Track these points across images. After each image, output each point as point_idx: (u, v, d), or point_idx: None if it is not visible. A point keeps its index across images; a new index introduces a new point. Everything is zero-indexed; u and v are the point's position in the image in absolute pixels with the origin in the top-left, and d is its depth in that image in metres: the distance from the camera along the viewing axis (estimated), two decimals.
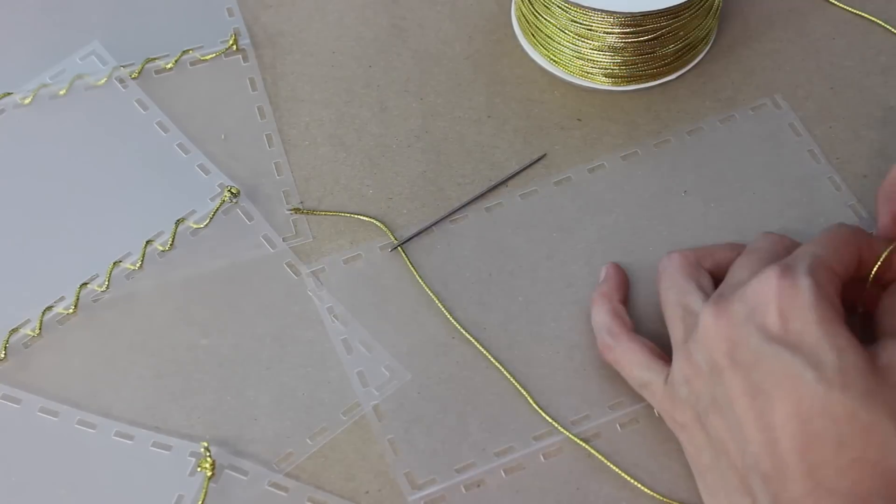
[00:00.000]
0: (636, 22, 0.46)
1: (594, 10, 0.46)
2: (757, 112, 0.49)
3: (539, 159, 0.47)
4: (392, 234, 0.45)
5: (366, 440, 0.41)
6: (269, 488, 0.40)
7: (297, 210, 0.45)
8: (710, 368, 0.36)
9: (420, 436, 0.41)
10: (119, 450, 0.41)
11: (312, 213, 0.45)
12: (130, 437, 0.41)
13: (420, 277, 0.44)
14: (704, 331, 0.36)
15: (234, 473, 0.40)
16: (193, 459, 0.40)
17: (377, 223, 0.45)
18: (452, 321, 0.43)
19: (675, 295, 0.39)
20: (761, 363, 0.34)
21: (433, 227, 0.46)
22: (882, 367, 0.34)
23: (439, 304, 0.43)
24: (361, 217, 0.46)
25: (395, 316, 0.44)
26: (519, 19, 0.51)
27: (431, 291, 0.44)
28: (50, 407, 0.41)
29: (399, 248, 0.45)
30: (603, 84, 0.49)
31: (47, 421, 0.41)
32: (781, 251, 0.38)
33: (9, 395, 0.42)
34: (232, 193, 0.46)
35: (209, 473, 0.39)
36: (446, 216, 0.44)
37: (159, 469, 0.40)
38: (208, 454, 0.39)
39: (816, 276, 0.35)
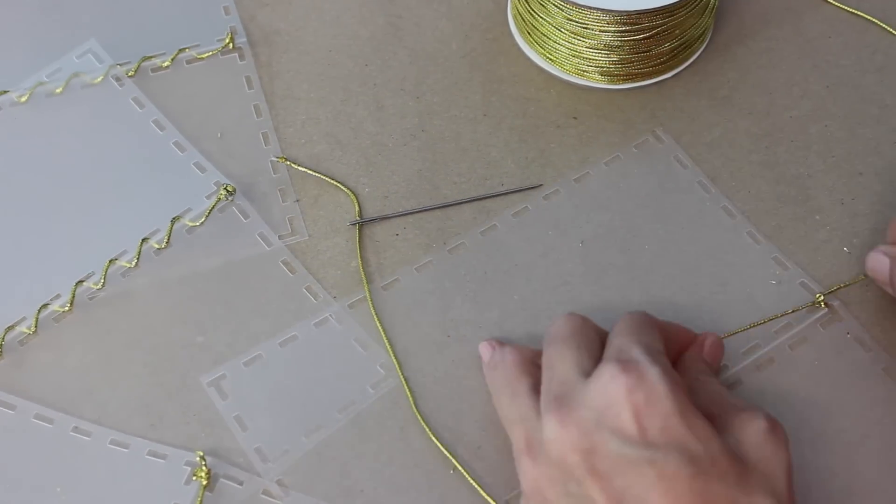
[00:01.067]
0: (632, 20, 0.46)
1: (590, 8, 0.46)
2: (640, 148, 0.48)
3: (534, 187, 0.47)
4: (360, 211, 0.45)
5: (360, 438, 0.41)
6: (264, 497, 0.40)
7: (281, 159, 0.46)
8: (563, 479, 0.33)
9: (415, 435, 0.41)
10: (114, 458, 0.40)
11: (294, 166, 0.46)
12: (126, 446, 0.41)
13: (363, 270, 0.44)
14: (553, 442, 0.33)
15: (229, 482, 0.40)
16: (189, 468, 0.40)
17: (349, 194, 0.45)
18: (391, 355, 0.43)
19: (509, 397, 0.37)
20: (626, 468, 0.32)
21: (432, 226, 0.46)
22: (734, 449, 0.33)
23: (382, 334, 0.43)
24: (335, 183, 0.46)
25: (389, 314, 0.44)
26: (515, 18, 0.51)
27: (366, 277, 0.44)
28: (45, 414, 0.41)
29: (357, 226, 0.45)
30: (599, 82, 0.49)
31: (42, 428, 0.41)
32: (592, 335, 0.37)
33: (3, 401, 0.42)
34: (227, 191, 0.46)
35: (204, 482, 0.39)
36: (414, 212, 0.44)
37: (155, 478, 0.40)
38: (204, 463, 0.39)
39: (660, 365, 0.34)
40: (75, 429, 0.41)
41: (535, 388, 0.36)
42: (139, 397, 0.42)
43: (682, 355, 0.40)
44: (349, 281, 0.45)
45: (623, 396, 0.32)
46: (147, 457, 0.40)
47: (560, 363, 0.36)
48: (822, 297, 0.43)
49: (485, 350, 0.41)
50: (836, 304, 0.43)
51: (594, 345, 0.37)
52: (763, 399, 0.41)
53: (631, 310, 0.39)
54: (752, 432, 0.34)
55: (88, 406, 0.42)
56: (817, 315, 0.43)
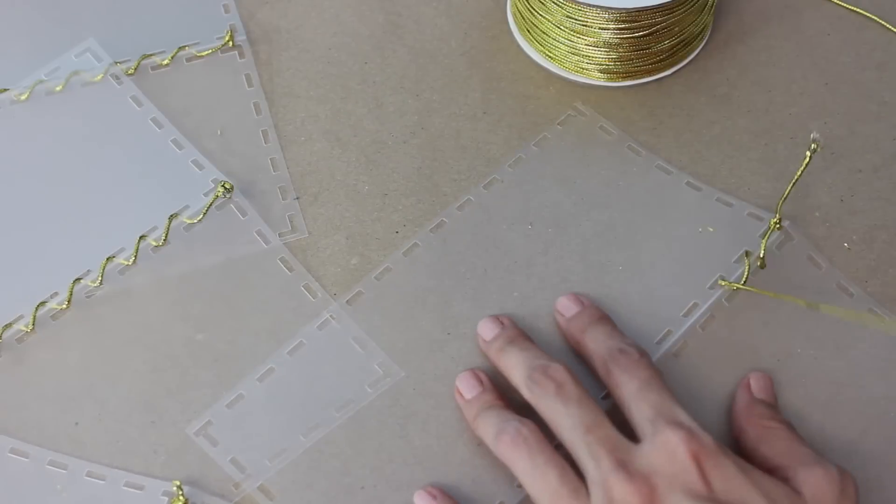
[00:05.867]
0: (631, 18, 0.46)
1: (590, 5, 0.46)
2: (564, 124, 0.48)
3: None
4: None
5: (361, 436, 0.41)
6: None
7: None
8: None
9: (416, 432, 0.41)
10: (91, 490, 0.40)
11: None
12: (102, 478, 0.40)
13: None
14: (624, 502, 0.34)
15: None
16: (166, 499, 0.39)
17: None
18: None
19: (542, 470, 0.36)
20: None
21: (429, 225, 0.46)
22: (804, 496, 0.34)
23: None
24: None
25: (389, 312, 0.44)
26: (514, 15, 0.52)
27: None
28: (20, 448, 0.41)
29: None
30: (598, 80, 0.49)
31: (18, 462, 0.40)
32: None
33: None
34: (225, 189, 0.46)
35: None
36: None
37: None
38: (181, 493, 0.39)
39: (706, 431, 0.35)
40: (51, 462, 0.40)
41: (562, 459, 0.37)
42: (140, 394, 0.42)
43: (738, 400, 0.40)
44: (349, 279, 0.45)
45: (691, 460, 0.34)
46: (124, 488, 0.40)
47: (599, 428, 0.36)
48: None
49: (488, 425, 0.39)
50: None
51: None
52: None
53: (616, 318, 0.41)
54: (822, 490, 0.35)
55: (89, 403, 0.42)
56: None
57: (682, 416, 0.36)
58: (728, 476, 0.34)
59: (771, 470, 0.36)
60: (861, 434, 0.40)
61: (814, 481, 0.35)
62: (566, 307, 0.43)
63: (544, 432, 0.38)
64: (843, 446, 0.40)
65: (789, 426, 0.39)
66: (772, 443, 0.38)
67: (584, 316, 0.42)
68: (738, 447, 0.39)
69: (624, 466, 0.34)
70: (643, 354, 0.39)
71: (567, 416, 0.37)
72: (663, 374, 0.39)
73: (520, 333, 0.42)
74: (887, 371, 0.42)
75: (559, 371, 0.38)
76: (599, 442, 0.35)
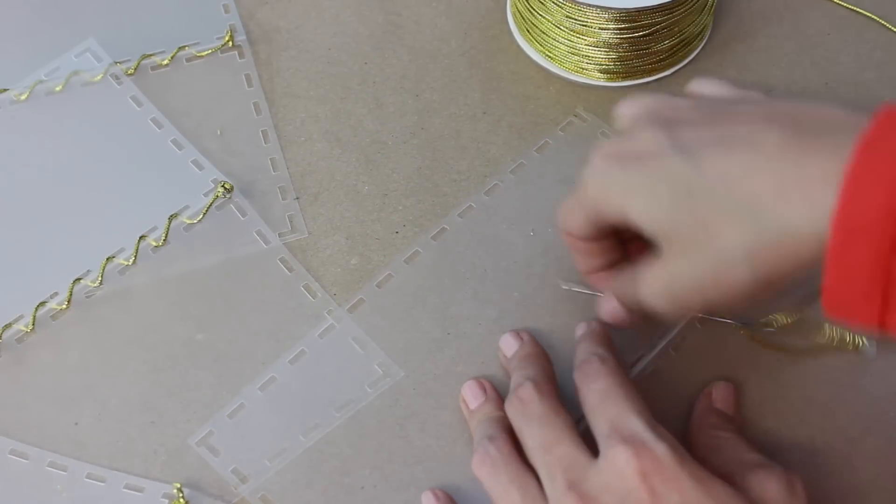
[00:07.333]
0: (631, 18, 0.46)
1: (589, 5, 0.46)
2: (566, 130, 0.49)
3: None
4: None
5: (361, 435, 0.41)
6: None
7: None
8: None
9: (415, 432, 0.41)
10: (91, 492, 0.40)
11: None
12: (103, 480, 0.40)
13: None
14: None
15: None
16: (167, 501, 0.39)
17: None
18: None
19: (510, 488, 0.36)
20: None
21: (429, 224, 0.46)
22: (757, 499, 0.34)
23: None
24: None
25: (389, 312, 0.44)
26: (514, 15, 0.52)
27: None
28: (20, 449, 0.41)
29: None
30: (598, 80, 0.49)
31: (18, 463, 0.40)
32: (559, 402, 0.37)
33: None
34: (225, 189, 0.46)
35: None
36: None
37: None
38: (181, 495, 0.39)
39: (666, 440, 0.34)
40: (51, 464, 0.40)
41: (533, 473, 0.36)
42: (140, 394, 0.42)
43: (696, 409, 0.40)
44: (349, 279, 0.45)
45: (639, 480, 0.33)
46: (124, 490, 0.40)
47: (558, 446, 0.36)
48: None
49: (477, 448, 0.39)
50: None
51: (567, 415, 0.37)
52: None
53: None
54: (771, 491, 0.35)
55: (89, 403, 0.42)
56: None
57: (638, 428, 0.34)
58: (681, 489, 0.33)
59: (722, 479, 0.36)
60: (861, 434, 0.40)
61: (759, 486, 0.35)
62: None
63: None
64: (843, 446, 0.40)
65: (739, 434, 0.39)
66: (719, 452, 0.37)
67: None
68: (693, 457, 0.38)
69: (575, 488, 0.34)
70: (605, 360, 0.38)
71: (529, 436, 0.37)
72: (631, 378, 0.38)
73: (529, 353, 0.41)
74: (887, 371, 0.42)
75: (527, 390, 0.38)
76: (556, 461, 0.35)
